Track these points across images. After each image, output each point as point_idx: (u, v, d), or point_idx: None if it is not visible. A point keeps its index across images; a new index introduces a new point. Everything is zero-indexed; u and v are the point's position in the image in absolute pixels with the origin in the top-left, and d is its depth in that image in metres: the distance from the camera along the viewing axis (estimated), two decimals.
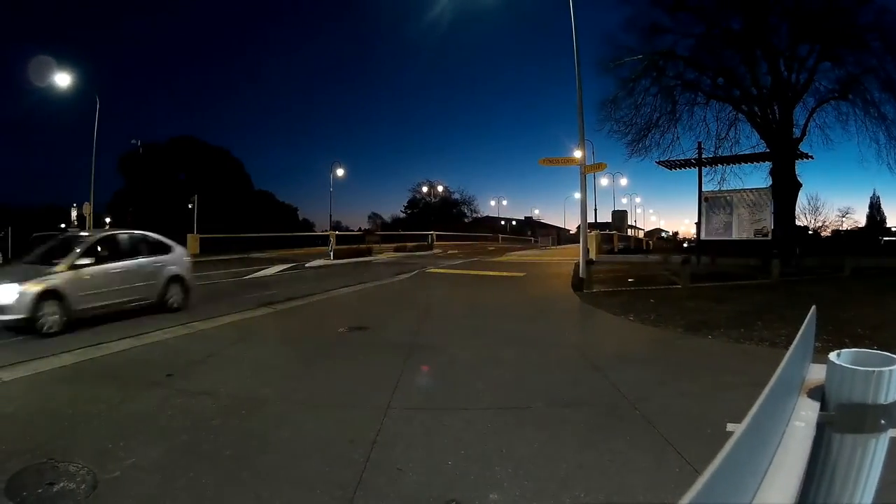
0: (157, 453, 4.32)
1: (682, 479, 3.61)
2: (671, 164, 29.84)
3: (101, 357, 7.62)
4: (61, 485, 3.75)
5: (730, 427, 1.07)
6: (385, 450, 4.35)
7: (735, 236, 24.72)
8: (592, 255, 19.62)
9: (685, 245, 49.43)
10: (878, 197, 69.38)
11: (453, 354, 7.80)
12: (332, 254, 33.10)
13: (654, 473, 3.85)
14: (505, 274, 21.01)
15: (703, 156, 27.69)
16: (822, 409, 1.42)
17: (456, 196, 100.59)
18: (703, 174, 27.61)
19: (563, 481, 3.76)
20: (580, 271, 15.88)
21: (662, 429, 4.62)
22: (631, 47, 26.37)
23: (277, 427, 4.94)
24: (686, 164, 29.27)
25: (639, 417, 4.99)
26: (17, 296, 8.97)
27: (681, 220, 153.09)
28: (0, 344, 8.59)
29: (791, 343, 1.47)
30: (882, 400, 1.25)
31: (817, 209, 55.06)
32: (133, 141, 63.62)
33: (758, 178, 29.54)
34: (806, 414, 1.43)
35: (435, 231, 59.29)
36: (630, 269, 20.55)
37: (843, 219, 56.54)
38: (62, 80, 30.73)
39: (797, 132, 25.12)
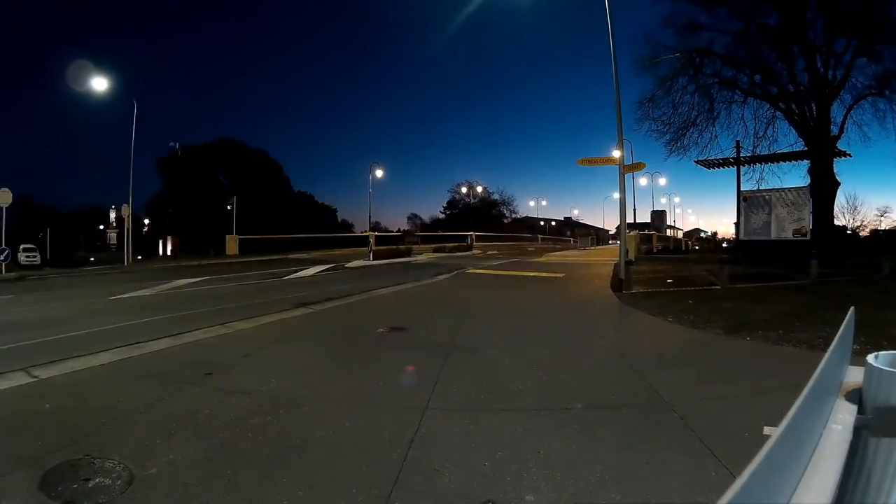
0: (194, 451, 4.35)
1: (718, 484, 3.59)
2: (709, 164, 30.02)
3: (139, 356, 7.74)
4: (97, 480, 3.79)
5: (766, 430, 1.10)
6: (422, 450, 4.33)
7: (774, 236, 24.41)
8: (631, 256, 19.48)
9: (725, 245, 48.74)
10: None
11: (492, 355, 7.76)
12: (371, 254, 33.36)
13: (691, 477, 3.79)
14: (544, 274, 20.91)
15: (741, 154, 27.77)
16: (860, 412, 1.43)
17: (495, 196, 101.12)
18: (742, 173, 27.81)
19: (599, 484, 3.72)
20: (619, 272, 15.80)
21: (700, 432, 4.55)
22: (668, 45, 26.64)
23: (315, 426, 4.94)
24: (724, 163, 29.51)
25: (677, 420, 4.92)
26: None
27: (720, 220, 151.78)
28: (35, 343, 8.81)
29: (829, 345, 1.46)
30: None
31: (855, 208, 53.68)
32: (171, 143, 65.34)
33: (796, 176, 29.72)
34: (843, 417, 1.43)
35: (474, 232, 59.35)
36: (669, 269, 20.38)
37: (882, 218, 54.79)
38: (100, 84, 31.64)
39: (835, 130, 24.98)
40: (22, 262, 39.76)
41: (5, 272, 25.41)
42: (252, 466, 4.07)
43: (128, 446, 4.41)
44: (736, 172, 28.07)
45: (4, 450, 4.38)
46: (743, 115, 27.43)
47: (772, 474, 0.92)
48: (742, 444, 4.12)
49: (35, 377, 6.57)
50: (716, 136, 27.74)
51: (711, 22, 26.06)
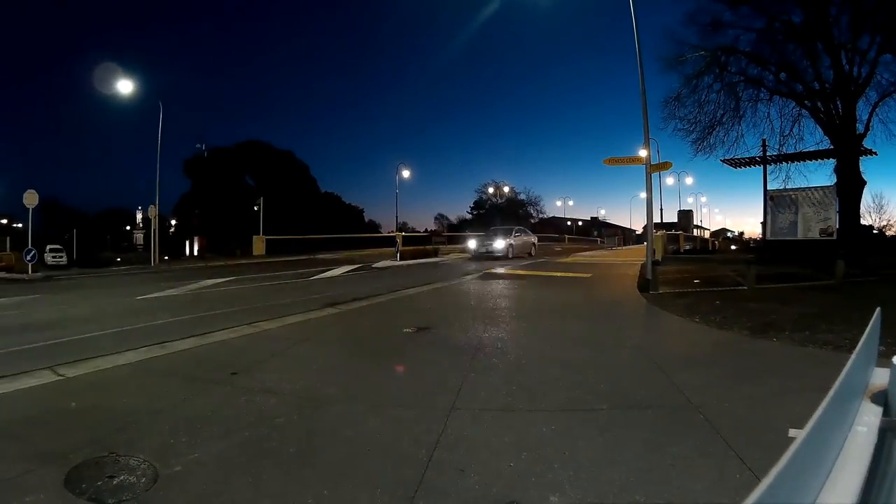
0: (219, 450, 4.37)
1: (742, 486, 3.60)
2: (736, 163, 30.01)
3: (165, 355, 7.82)
4: (121, 478, 3.82)
5: (791, 433, 1.12)
6: (448, 450, 4.33)
7: (800, 236, 24.13)
8: (658, 256, 19.37)
9: (751, 245, 48.31)
10: None
11: (519, 355, 7.74)
12: (398, 255, 33.48)
13: (715, 480, 3.76)
14: (571, 275, 20.85)
15: (768, 153, 27.76)
16: (885, 414, 1.44)
17: (522, 196, 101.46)
18: (768, 172, 27.87)
19: (623, 485, 3.70)
20: (646, 272, 15.74)
21: (725, 434, 4.51)
22: (692, 43, 26.51)
23: (341, 426, 4.94)
24: (751, 162, 29.53)
25: (702, 422, 4.88)
26: None
27: (746, 220, 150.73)
28: (60, 342, 8.95)
29: (855, 347, 1.45)
30: None
31: (882, 208, 53.12)
32: (198, 145, 66.11)
33: (822, 175, 29.49)
34: (868, 419, 1.44)
35: None
36: (696, 269, 20.14)
37: None
38: (125, 86, 32.12)
39: (860, 128, 24.55)
40: (48, 263, 40.49)
41: (32, 272, 25.86)
42: (277, 465, 4.08)
43: (153, 444, 4.45)
44: (763, 172, 28.13)
45: (29, 447, 4.44)
46: (769, 113, 27.27)
47: (796, 476, 0.92)
48: (767, 447, 4.13)
49: (61, 375, 6.66)
50: (742, 135, 27.51)
51: (735, 20, 25.93)
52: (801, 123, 26.48)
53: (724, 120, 27.15)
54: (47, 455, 4.21)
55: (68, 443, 4.45)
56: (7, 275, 27.07)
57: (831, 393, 1.15)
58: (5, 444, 4.54)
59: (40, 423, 5.06)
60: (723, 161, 29.51)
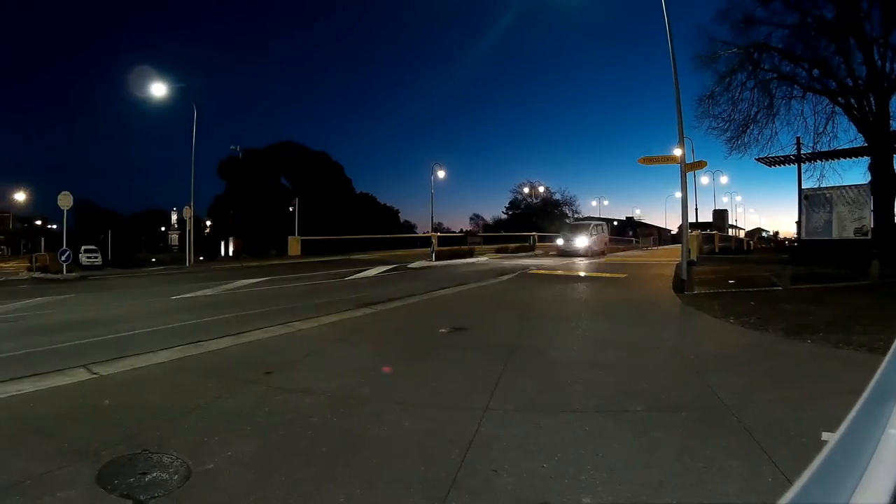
0: (252, 448, 4.40)
1: (774, 490, 3.58)
2: (770, 161, 29.81)
3: (200, 354, 7.92)
4: (154, 475, 3.86)
5: (824, 436, 1.18)
6: (481, 451, 4.33)
7: (835, 235, 23.68)
8: (693, 256, 19.28)
9: (787, 244, 47.58)
10: None
11: (553, 356, 7.76)
12: (433, 255, 33.56)
13: (748, 483, 3.74)
14: (606, 275, 20.79)
15: (802, 151, 27.58)
16: None
17: (557, 196, 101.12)
18: (802, 171, 27.85)
19: (656, 488, 3.70)
20: (681, 272, 15.65)
21: (759, 436, 4.48)
22: (725, 40, 26.32)
23: (375, 426, 4.95)
24: (785, 160, 29.42)
25: (736, 424, 4.84)
26: None
27: (781, 219, 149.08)
28: (95, 341, 9.15)
29: (889, 349, 1.48)
30: None
31: None
32: (232, 147, 66.97)
33: (856, 174, 29.42)
34: None
35: (536, 232, 59.11)
36: (731, 270, 20.01)
37: None
38: (158, 89, 32.96)
39: (894, 125, 24.08)
40: (83, 263, 41.52)
41: (66, 272, 26.45)
42: (310, 464, 4.10)
43: (186, 442, 4.49)
44: (797, 170, 28.15)
45: (62, 443, 4.51)
46: (802, 110, 26.91)
47: (828, 479, 0.93)
48: (800, 450, 4.13)
49: (95, 374, 6.78)
50: (776, 133, 27.21)
51: (767, 16, 25.78)
52: (835, 121, 26.20)
53: (757, 118, 26.99)
54: (80, 451, 4.27)
55: (101, 440, 4.51)
56: (42, 275, 27.79)
57: (865, 395, 1.18)
58: (38, 440, 4.63)
59: (73, 421, 5.15)
60: (757, 160, 29.45)
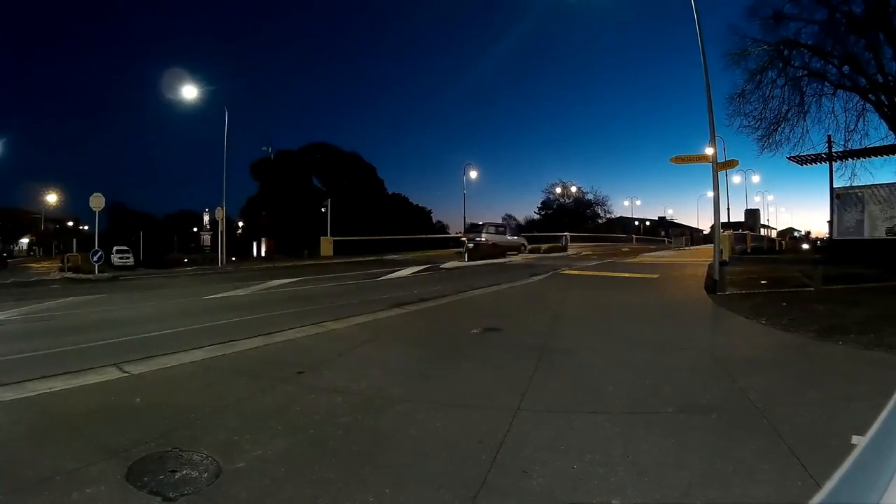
0: (283, 447, 4.43)
1: (802, 494, 3.57)
2: (801, 160, 29.48)
3: (232, 354, 7.98)
4: (184, 472, 3.89)
5: (854, 440, 1.22)
6: (512, 451, 4.34)
7: (867, 235, 23.40)
8: (725, 257, 19.22)
9: (818, 244, 47.26)
10: None
11: (585, 357, 7.74)
12: (466, 255, 33.51)
13: (777, 486, 3.73)
14: (638, 275, 20.66)
15: (833, 150, 27.27)
16: None
17: (589, 196, 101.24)
18: (833, 169, 27.44)
19: (685, 490, 3.69)
20: (714, 273, 15.57)
21: (788, 439, 4.44)
22: (755, 37, 26.40)
23: (405, 425, 4.96)
24: (816, 158, 29.03)
25: (766, 426, 4.80)
26: None
27: (813, 218, 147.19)
28: (126, 340, 9.29)
29: None
30: None
31: None
32: (264, 148, 67.62)
33: (887, 172, 29.16)
34: None
35: (568, 232, 58.96)
36: (762, 270, 19.97)
37: None
38: (190, 92, 33.71)
39: None
40: (115, 264, 42.28)
41: (98, 273, 26.91)
42: (340, 463, 4.12)
43: (216, 441, 4.53)
44: (828, 169, 27.77)
45: (92, 441, 4.58)
46: (833, 108, 26.84)
47: (858, 481, 0.93)
48: (830, 453, 4.11)
49: (126, 372, 6.89)
50: (807, 131, 27.26)
51: (797, 12, 25.64)
52: (866, 118, 26.14)
53: (788, 116, 27.01)
54: (110, 449, 4.33)
55: (131, 437, 4.57)
56: (74, 275, 28.34)
57: (894, 399, 1.16)
58: (69, 437, 4.71)
59: (104, 418, 5.22)
60: (789, 158, 29.29)
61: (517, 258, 36.04)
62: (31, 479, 3.78)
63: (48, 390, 6.08)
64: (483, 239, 39.10)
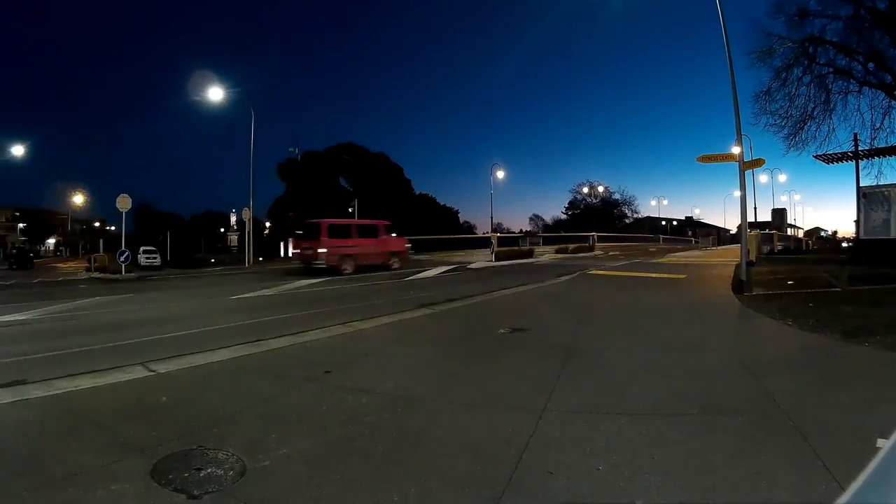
0: (308, 446, 4.44)
1: (826, 497, 3.56)
2: (828, 159, 29.43)
3: (259, 353, 8.04)
4: (209, 470, 3.91)
5: (879, 443, 1.33)
6: (537, 452, 4.32)
7: (893, 234, 23.01)
8: (752, 257, 19.17)
9: (845, 244, 46.82)
10: None
11: (611, 358, 7.71)
12: (493, 255, 33.55)
13: (800, 490, 3.71)
14: (665, 276, 20.58)
15: (859, 148, 27.18)
16: None
17: (616, 196, 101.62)
18: (860, 168, 27.44)
19: (709, 492, 3.69)
20: (740, 273, 15.50)
21: (813, 442, 4.40)
22: (780, 35, 26.19)
23: (431, 425, 4.96)
24: (843, 157, 29.00)
25: (791, 429, 4.74)
26: None
27: (840, 218, 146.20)
28: (153, 339, 9.43)
29: None
30: None
31: None
32: (291, 149, 68.06)
33: None
34: None
35: (595, 232, 58.75)
36: (789, 270, 19.85)
37: None
38: (216, 93, 34.03)
39: None
40: (142, 264, 42.77)
41: (125, 272, 27.23)
42: (366, 462, 4.11)
43: (242, 439, 4.55)
44: (855, 167, 27.67)
45: (118, 438, 4.63)
46: (859, 105, 26.62)
47: (882, 485, 0.92)
48: (855, 457, 4.06)
49: (153, 371, 6.97)
50: (833, 129, 27.00)
51: (821, 8, 25.48)
52: (892, 115, 25.91)
53: (814, 114, 26.80)
54: (135, 446, 4.37)
55: (157, 435, 4.61)
56: (101, 275, 28.70)
57: None
58: (94, 434, 4.78)
59: (130, 416, 5.27)
60: (815, 157, 29.18)
61: (543, 258, 36.00)
62: (56, 475, 3.82)
63: (75, 388, 6.17)
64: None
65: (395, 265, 27.91)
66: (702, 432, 4.76)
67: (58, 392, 6.02)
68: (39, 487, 3.68)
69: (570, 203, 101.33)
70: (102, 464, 3.99)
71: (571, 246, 47.47)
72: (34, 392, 6.04)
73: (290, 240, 59.30)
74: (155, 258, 48.34)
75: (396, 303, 13.71)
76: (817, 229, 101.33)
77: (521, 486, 3.72)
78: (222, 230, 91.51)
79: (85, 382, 6.38)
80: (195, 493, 3.57)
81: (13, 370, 7.20)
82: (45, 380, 6.49)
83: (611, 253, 41.57)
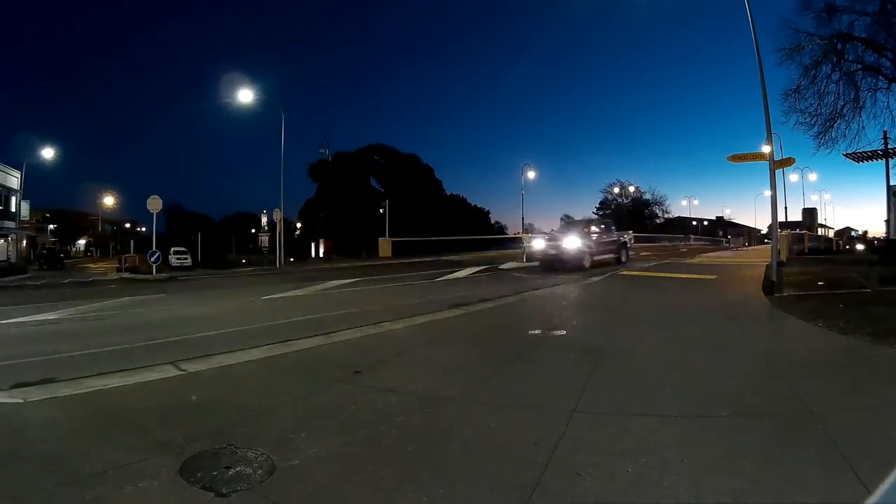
0: (337, 446, 4.45)
1: (853, 501, 3.53)
2: (858, 157, 29.49)
3: (290, 353, 8.09)
4: (237, 469, 3.93)
5: None
6: (566, 454, 4.30)
7: None
8: (783, 257, 18.96)
9: (875, 244, 46.31)
10: None
11: (642, 359, 7.65)
12: (525, 256, 33.43)
13: (828, 495, 3.68)
14: (696, 276, 20.41)
15: (889, 145, 27.55)
16: None
17: (647, 196, 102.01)
18: (889, 165, 27.83)
19: (737, 496, 3.66)
20: (771, 274, 15.36)
21: (842, 446, 4.34)
22: (808, 31, 26.41)
23: (460, 426, 4.95)
24: (873, 155, 29.18)
25: (820, 433, 4.69)
26: None
27: (871, 216, 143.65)
28: (183, 339, 9.55)
29: None
30: None
31: None
32: (321, 150, 68.59)
33: None
34: None
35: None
36: (820, 271, 19.66)
37: None
38: (246, 95, 34.73)
39: None
40: (173, 264, 43.53)
41: (156, 273, 27.61)
42: (395, 462, 4.12)
43: (271, 438, 4.58)
44: (885, 165, 27.93)
45: (148, 436, 4.69)
46: (888, 102, 26.67)
47: None
48: (884, 461, 4.04)
49: (183, 370, 7.04)
50: (863, 127, 27.00)
51: (849, 4, 25.57)
52: None
53: (844, 111, 26.81)
54: (164, 444, 4.42)
55: (186, 434, 4.65)
56: (131, 275, 29.19)
57: None
58: (123, 433, 4.83)
59: (159, 415, 5.33)
60: (845, 155, 29.12)
61: None
62: (85, 473, 3.87)
63: (104, 387, 6.25)
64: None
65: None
66: (731, 434, 4.74)
67: (87, 390, 6.12)
68: (68, 483, 3.73)
69: (600, 203, 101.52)
70: (131, 461, 4.04)
71: None
72: (63, 390, 6.15)
73: (321, 240, 59.83)
74: (186, 259, 49.02)
75: (428, 303, 13.71)
76: (848, 229, 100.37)
77: (549, 488, 3.71)
78: (253, 231, 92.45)
79: (114, 381, 6.47)
80: (224, 491, 3.60)
81: (43, 369, 7.32)
82: (74, 378, 6.59)
83: (642, 253, 41.21)
